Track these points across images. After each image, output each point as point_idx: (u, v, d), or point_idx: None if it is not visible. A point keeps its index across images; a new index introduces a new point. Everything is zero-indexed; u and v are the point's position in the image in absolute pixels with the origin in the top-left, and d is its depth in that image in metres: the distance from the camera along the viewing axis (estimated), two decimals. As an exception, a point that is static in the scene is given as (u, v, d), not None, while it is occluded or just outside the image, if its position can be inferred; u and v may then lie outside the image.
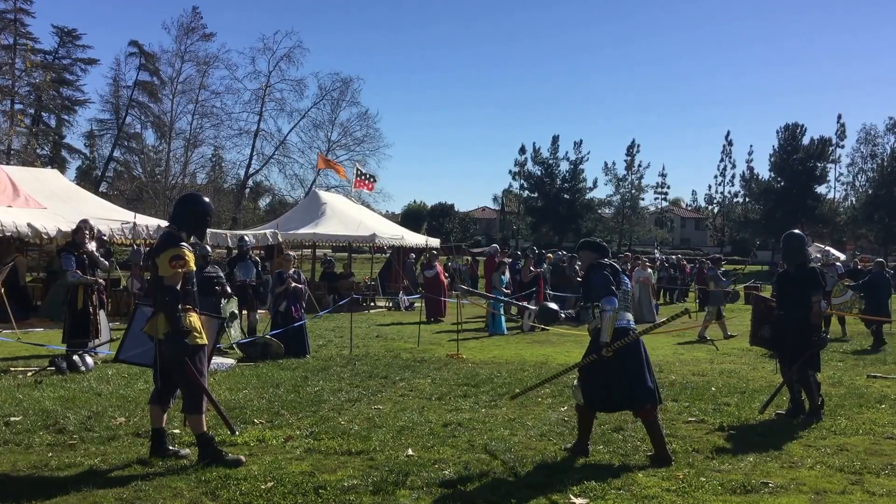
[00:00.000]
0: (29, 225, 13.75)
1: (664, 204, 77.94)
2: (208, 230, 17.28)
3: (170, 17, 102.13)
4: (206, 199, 5.79)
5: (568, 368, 6.49)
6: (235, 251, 14.62)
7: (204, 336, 5.50)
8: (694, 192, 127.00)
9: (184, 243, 5.37)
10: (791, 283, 7.43)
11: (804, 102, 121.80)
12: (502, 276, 15.96)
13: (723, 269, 16.69)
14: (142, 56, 50.61)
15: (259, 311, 13.33)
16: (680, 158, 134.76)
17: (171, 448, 5.54)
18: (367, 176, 26.36)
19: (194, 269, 5.51)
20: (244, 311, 13.00)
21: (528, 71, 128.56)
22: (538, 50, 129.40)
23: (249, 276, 13.20)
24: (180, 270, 5.27)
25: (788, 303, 7.39)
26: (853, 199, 64.87)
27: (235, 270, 13.28)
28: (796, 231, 7.85)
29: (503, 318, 15.45)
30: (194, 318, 5.42)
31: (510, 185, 70.62)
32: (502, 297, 15.68)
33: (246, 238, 14.98)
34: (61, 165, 46.78)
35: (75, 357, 9.37)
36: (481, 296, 15.82)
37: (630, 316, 5.84)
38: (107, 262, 10.47)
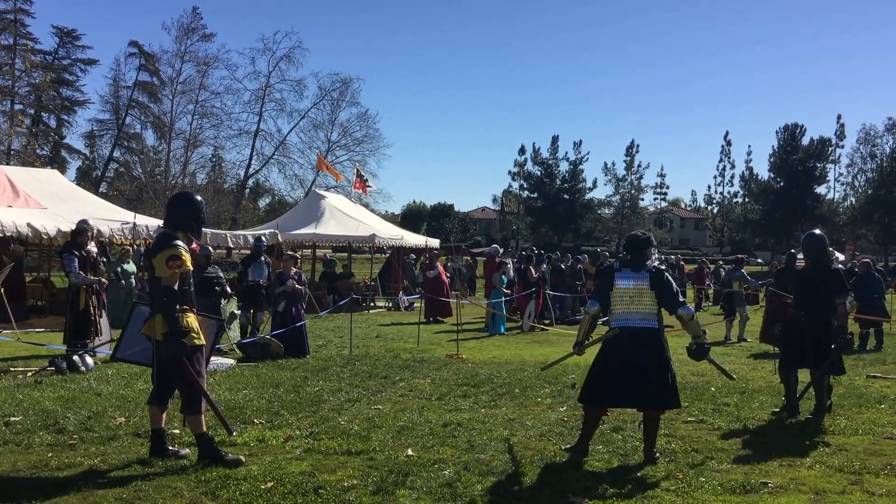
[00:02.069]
0: (29, 225, 13.74)
1: (663, 204, 78.09)
2: (209, 230, 17.31)
3: (170, 18, 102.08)
4: (198, 197, 5.75)
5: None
6: (250, 251, 14.66)
7: (202, 336, 5.50)
8: (693, 193, 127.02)
9: (180, 243, 5.37)
10: (810, 284, 7.36)
11: (804, 102, 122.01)
12: (502, 276, 15.97)
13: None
14: (142, 56, 50.65)
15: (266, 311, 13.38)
16: (679, 159, 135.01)
17: (170, 448, 5.55)
18: (364, 178, 26.42)
19: (191, 269, 5.50)
20: (252, 311, 13.03)
21: (528, 71, 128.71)
22: (538, 50, 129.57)
23: (262, 276, 13.24)
24: (177, 271, 5.26)
25: (809, 304, 7.28)
26: (853, 200, 64.93)
27: (249, 270, 13.32)
28: (817, 231, 7.79)
29: (503, 318, 15.44)
30: (192, 319, 5.42)
31: (510, 186, 70.76)
32: (502, 299, 15.72)
33: (262, 239, 15.02)
34: (61, 166, 46.82)
35: (75, 357, 9.36)
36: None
37: (628, 316, 5.74)
38: (102, 269, 10.40)
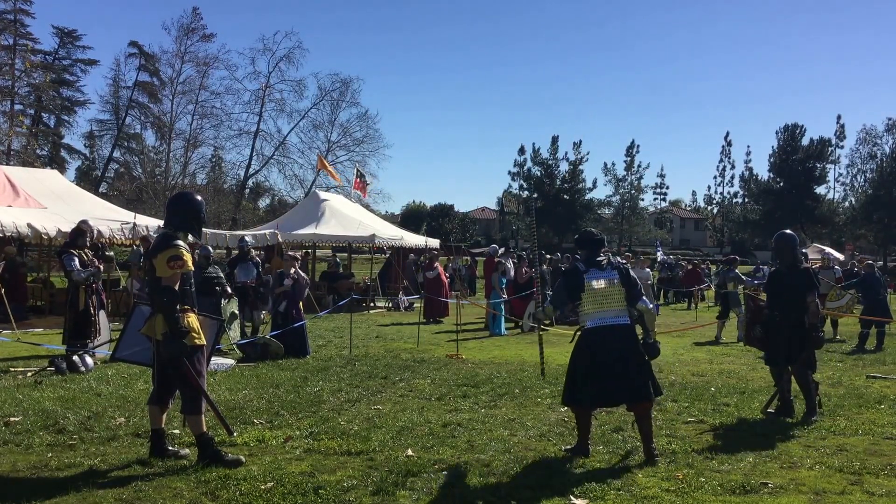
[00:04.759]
0: (29, 225, 13.74)
1: (663, 204, 78.00)
2: (209, 230, 17.29)
3: (170, 18, 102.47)
4: (198, 197, 5.74)
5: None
6: (236, 252, 14.66)
7: (202, 336, 5.49)
8: (693, 193, 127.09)
9: (181, 243, 5.36)
10: (783, 284, 7.43)
11: (804, 102, 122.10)
12: (501, 277, 15.94)
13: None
14: (142, 57, 50.60)
15: (262, 310, 13.36)
16: (679, 159, 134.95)
17: (170, 448, 5.55)
18: (364, 178, 26.47)
19: (192, 269, 5.50)
20: (250, 311, 13.01)
21: (528, 71, 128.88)
22: (538, 50, 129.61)
23: (250, 276, 13.22)
24: (178, 271, 5.26)
25: (782, 303, 7.38)
26: (852, 200, 64.89)
27: (235, 271, 13.30)
28: (788, 231, 7.85)
29: (503, 318, 15.43)
30: (192, 319, 5.42)
31: (510, 186, 70.69)
32: (501, 299, 15.68)
33: (246, 238, 14.98)
34: (61, 166, 46.78)
35: (75, 357, 9.36)
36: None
37: (603, 315, 5.79)
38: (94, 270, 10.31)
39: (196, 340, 5.39)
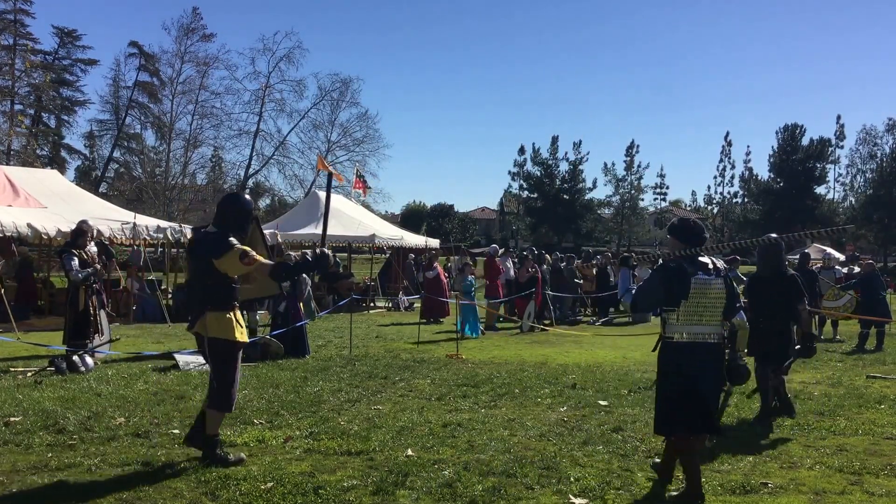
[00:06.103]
0: (29, 225, 13.75)
1: (663, 204, 77.99)
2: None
3: (170, 18, 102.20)
4: (248, 198, 5.87)
5: None
6: None
7: (244, 333, 5.52)
8: (693, 193, 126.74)
9: (235, 240, 5.38)
10: (767, 289, 7.28)
11: (804, 102, 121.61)
12: (468, 277, 15.79)
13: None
14: (142, 56, 50.61)
15: (259, 311, 13.34)
16: (679, 159, 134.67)
17: (219, 453, 5.40)
18: (363, 178, 26.49)
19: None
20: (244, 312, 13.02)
21: (528, 71, 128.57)
22: (538, 50, 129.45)
23: None
24: (255, 263, 5.30)
25: (766, 309, 7.20)
26: (852, 200, 64.91)
27: None
28: (773, 235, 7.78)
29: (477, 320, 15.18)
30: (238, 316, 5.48)
31: (510, 186, 70.72)
32: (472, 302, 15.48)
33: None
34: (61, 166, 46.79)
35: (75, 357, 9.36)
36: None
37: (701, 330, 4.77)
38: (101, 269, 10.35)
39: (239, 336, 5.41)
